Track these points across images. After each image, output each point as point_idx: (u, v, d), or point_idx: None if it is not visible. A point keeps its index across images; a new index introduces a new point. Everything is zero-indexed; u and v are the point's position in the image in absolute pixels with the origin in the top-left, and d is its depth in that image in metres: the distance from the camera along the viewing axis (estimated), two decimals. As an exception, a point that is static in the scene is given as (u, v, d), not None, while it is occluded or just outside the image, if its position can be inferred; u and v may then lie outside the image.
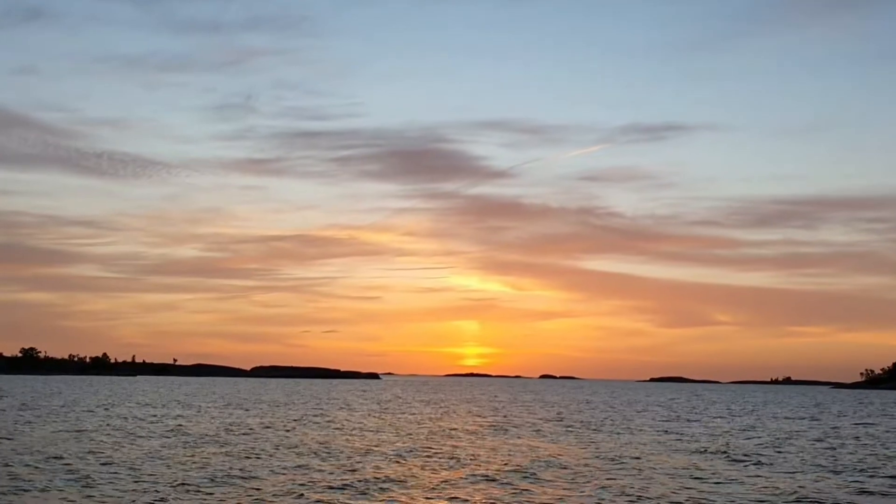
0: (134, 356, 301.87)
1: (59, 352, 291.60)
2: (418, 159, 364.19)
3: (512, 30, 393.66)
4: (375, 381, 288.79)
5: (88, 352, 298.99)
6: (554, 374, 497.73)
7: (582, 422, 64.01)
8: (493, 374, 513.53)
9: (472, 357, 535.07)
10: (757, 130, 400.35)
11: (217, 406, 78.89)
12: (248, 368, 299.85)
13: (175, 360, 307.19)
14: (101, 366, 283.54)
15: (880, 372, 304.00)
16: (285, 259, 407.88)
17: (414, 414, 71.98)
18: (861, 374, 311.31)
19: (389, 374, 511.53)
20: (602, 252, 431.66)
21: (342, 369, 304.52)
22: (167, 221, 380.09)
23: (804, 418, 78.77)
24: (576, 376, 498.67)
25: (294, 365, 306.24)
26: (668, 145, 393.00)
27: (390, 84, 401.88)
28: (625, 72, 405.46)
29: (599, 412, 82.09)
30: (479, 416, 71.07)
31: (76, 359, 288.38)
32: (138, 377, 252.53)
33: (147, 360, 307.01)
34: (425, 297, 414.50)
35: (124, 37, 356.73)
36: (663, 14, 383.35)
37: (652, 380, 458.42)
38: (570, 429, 55.57)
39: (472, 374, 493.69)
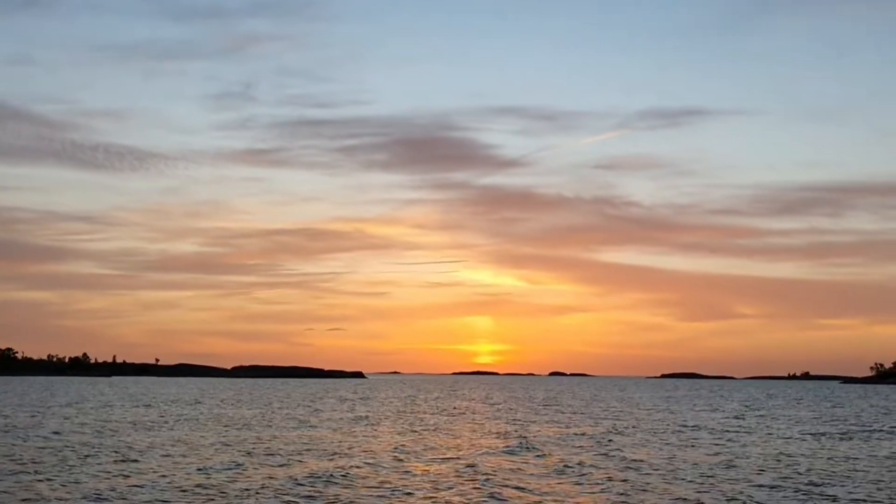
0: (115, 356, 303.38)
1: (57, 352, 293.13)
2: (427, 148, 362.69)
3: (524, 12, 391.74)
4: (359, 380, 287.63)
5: (88, 352, 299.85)
6: (564, 372, 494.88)
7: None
8: (504, 371, 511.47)
9: (485, 354, 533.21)
10: (781, 114, 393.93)
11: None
12: (230, 367, 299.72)
13: (157, 360, 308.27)
14: (79, 366, 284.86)
15: (891, 366, 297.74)
16: (289, 254, 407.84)
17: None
18: (871, 367, 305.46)
19: (395, 372, 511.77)
20: (619, 243, 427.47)
21: (326, 368, 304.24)
22: (166, 216, 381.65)
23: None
24: (588, 373, 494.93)
25: (285, 365, 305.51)
26: (688, 131, 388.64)
27: (397, 70, 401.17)
28: (642, 54, 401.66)
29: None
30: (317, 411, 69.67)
31: (55, 359, 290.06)
32: (112, 378, 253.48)
33: (128, 360, 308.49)
34: (435, 292, 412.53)
35: (122, 24, 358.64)
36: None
37: (663, 376, 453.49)
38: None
39: (478, 373, 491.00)
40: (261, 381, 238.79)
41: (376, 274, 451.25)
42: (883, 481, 30.45)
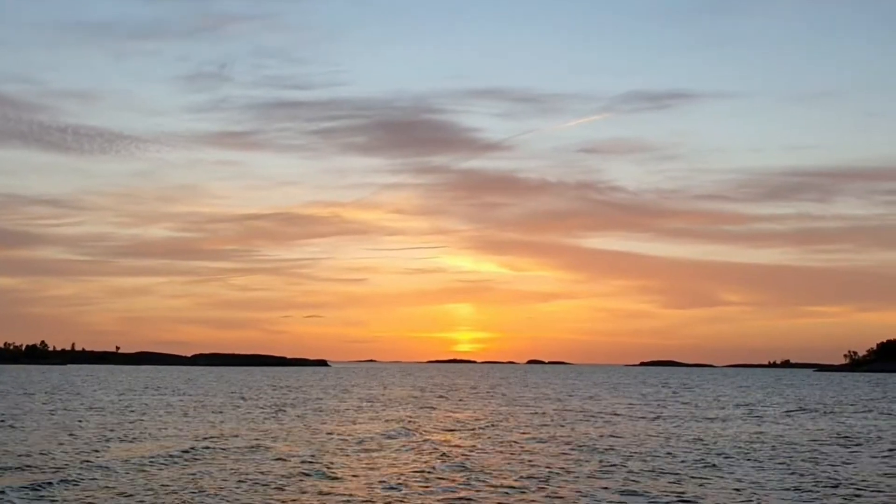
0: (73, 344, 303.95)
1: (23, 340, 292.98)
2: (407, 131, 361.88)
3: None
4: (323, 368, 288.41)
5: (56, 341, 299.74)
6: (543, 360, 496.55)
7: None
8: (482, 360, 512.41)
9: (465, 342, 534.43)
10: (768, 97, 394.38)
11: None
12: (190, 355, 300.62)
13: (118, 348, 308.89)
14: (35, 354, 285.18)
15: (865, 354, 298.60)
16: (264, 239, 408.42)
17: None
18: (844, 356, 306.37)
19: (371, 360, 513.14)
20: (604, 229, 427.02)
21: (288, 356, 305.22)
22: (138, 200, 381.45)
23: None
24: (568, 361, 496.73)
25: (250, 353, 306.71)
26: (674, 114, 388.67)
27: (377, 50, 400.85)
28: (627, 36, 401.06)
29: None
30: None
31: (11, 347, 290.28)
32: (68, 366, 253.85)
33: (91, 349, 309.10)
34: (415, 278, 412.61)
35: (91, 2, 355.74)
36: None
37: (642, 364, 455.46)
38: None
39: (455, 361, 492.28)
40: (216, 369, 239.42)
41: (354, 260, 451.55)
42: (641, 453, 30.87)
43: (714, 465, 30.63)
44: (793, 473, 28.92)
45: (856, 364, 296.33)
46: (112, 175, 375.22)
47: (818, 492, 25.29)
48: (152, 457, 30.75)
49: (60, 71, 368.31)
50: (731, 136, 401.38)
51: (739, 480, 27.09)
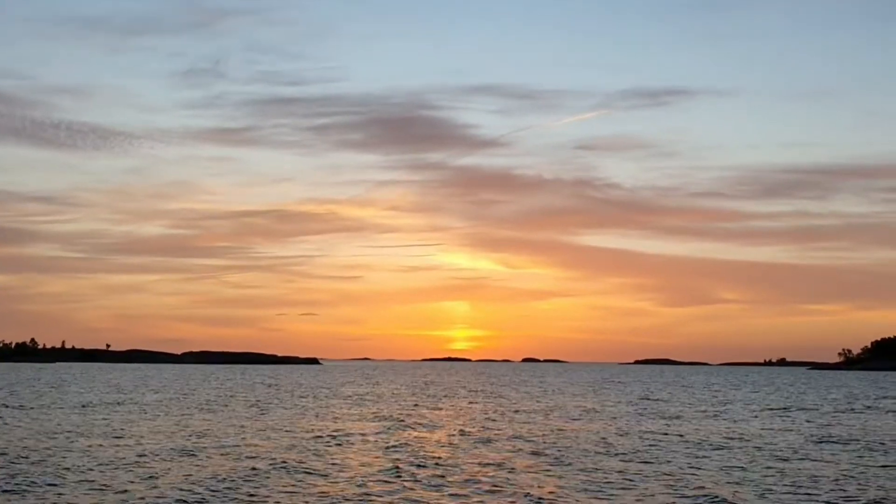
0: (64, 341, 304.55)
1: (14, 338, 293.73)
2: (403, 127, 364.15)
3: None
4: (314, 367, 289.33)
5: (47, 338, 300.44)
6: (538, 358, 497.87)
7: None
8: (477, 358, 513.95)
9: (461, 340, 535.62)
10: (766, 94, 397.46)
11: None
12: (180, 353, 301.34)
13: (108, 346, 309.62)
14: (25, 352, 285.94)
15: (859, 352, 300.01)
16: (259, 236, 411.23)
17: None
18: (839, 354, 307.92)
19: (366, 359, 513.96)
20: (600, 226, 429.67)
21: (280, 354, 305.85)
22: (131, 197, 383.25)
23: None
24: (563, 359, 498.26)
25: (242, 350, 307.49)
26: (671, 111, 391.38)
27: (372, 46, 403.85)
28: (624, 32, 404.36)
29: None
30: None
31: (1, 344, 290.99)
32: (56, 364, 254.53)
33: (82, 346, 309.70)
34: (410, 276, 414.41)
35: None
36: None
37: (636, 362, 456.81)
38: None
39: (449, 359, 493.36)
40: (205, 367, 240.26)
41: (349, 257, 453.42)
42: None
43: (653, 462, 31.94)
44: (723, 469, 30.13)
45: (850, 362, 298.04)
46: (105, 171, 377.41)
47: (745, 486, 26.47)
48: (124, 456, 31.89)
49: (53, 66, 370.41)
50: (729, 134, 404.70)
51: (671, 475, 28.32)
